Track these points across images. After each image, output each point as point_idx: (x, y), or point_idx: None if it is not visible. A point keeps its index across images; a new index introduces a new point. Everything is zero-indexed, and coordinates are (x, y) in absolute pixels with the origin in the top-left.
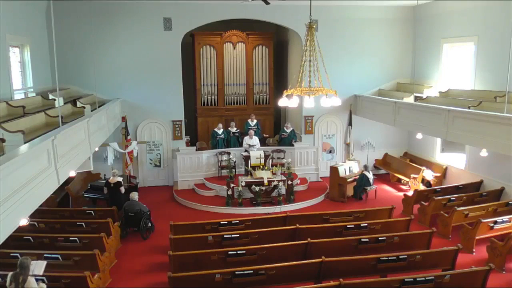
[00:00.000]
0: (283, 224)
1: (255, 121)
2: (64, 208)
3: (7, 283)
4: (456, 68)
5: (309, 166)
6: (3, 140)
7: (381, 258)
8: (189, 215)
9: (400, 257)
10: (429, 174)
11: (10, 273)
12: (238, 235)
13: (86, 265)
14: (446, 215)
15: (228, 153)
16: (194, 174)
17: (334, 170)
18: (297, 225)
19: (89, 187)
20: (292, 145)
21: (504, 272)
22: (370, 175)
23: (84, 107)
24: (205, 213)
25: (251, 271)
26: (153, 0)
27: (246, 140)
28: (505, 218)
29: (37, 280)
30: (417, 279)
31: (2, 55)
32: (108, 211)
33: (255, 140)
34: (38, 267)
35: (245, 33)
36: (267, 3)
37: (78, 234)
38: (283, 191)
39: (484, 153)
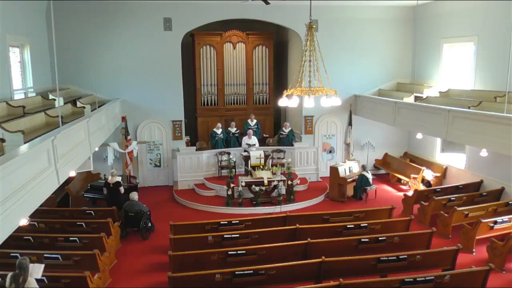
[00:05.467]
0: (283, 224)
1: (255, 121)
2: (64, 208)
3: (7, 284)
4: (456, 68)
5: (309, 166)
6: (3, 140)
7: (381, 258)
8: (189, 215)
9: (400, 257)
10: (429, 174)
11: (9, 274)
12: (238, 235)
13: (86, 265)
14: (446, 215)
15: (228, 153)
16: (194, 174)
17: (334, 170)
18: (297, 225)
19: (89, 187)
20: (292, 145)
21: (504, 272)
22: (369, 175)
23: (84, 107)
24: (205, 213)
25: (251, 271)
26: (153, 0)
27: (245, 140)
28: (505, 218)
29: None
30: (417, 279)
31: (2, 55)
32: (108, 211)
33: (254, 140)
34: (36, 270)
35: (245, 33)
36: (267, 3)
37: (78, 234)
38: (283, 191)
39: (484, 153)
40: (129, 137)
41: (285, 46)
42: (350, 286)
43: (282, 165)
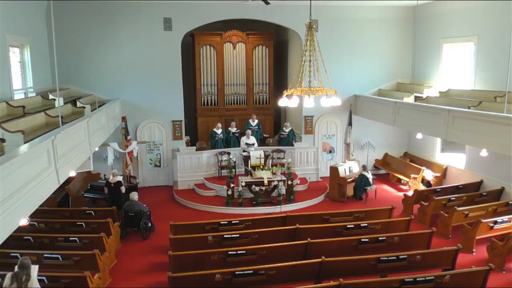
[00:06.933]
0: (283, 224)
1: (256, 121)
2: (64, 208)
3: (7, 284)
4: (456, 68)
5: (309, 166)
6: (3, 140)
7: (381, 258)
8: (189, 215)
9: (400, 257)
10: (429, 174)
11: (8, 274)
12: (238, 235)
13: (86, 265)
14: (446, 215)
15: (228, 153)
16: (194, 174)
17: (334, 170)
18: (297, 225)
19: (89, 187)
20: (292, 145)
21: (504, 272)
22: (369, 175)
23: (84, 107)
24: (205, 213)
25: (251, 271)
26: (153, 0)
27: (244, 139)
28: (505, 218)
29: None
30: (417, 279)
31: (2, 55)
32: (108, 211)
33: (253, 140)
34: (31, 271)
35: (245, 33)
36: (267, 3)
37: (78, 234)
38: (283, 191)
39: (484, 153)
40: (129, 137)
41: (285, 46)
42: (350, 286)
43: (282, 165)
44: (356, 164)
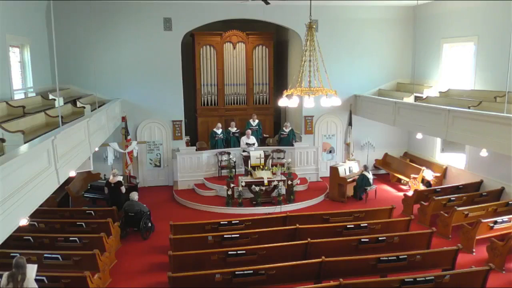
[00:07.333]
0: (283, 224)
1: (256, 121)
2: (64, 208)
3: (4, 283)
4: (456, 68)
5: (309, 166)
6: (3, 140)
7: (381, 258)
8: (189, 215)
9: (400, 257)
10: (429, 174)
11: (5, 274)
12: (238, 235)
13: (86, 265)
14: (446, 215)
15: (228, 153)
16: (194, 174)
17: (334, 170)
18: (297, 225)
19: (89, 187)
20: (292, 145)
21: (504, 272)
22: (370, 175)
23: (84, 107)
24: (205, 213)
25: (251, 271)
26: (153, 0)
27: (244, 139)
28: (505, 218)
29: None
30: (417, 279)
31: (2, 55)
32: (108, 211)
33: (253, 139)
34: (29, 270)
35: (245, 33)
36: (267, 3)
37: (78, 234)
38: (283, 191)
39: (484, 153)
40: (129, 137)
41: (285, 46)
42: (350, 286)
43: (282, 165)
44: (356, 164)
